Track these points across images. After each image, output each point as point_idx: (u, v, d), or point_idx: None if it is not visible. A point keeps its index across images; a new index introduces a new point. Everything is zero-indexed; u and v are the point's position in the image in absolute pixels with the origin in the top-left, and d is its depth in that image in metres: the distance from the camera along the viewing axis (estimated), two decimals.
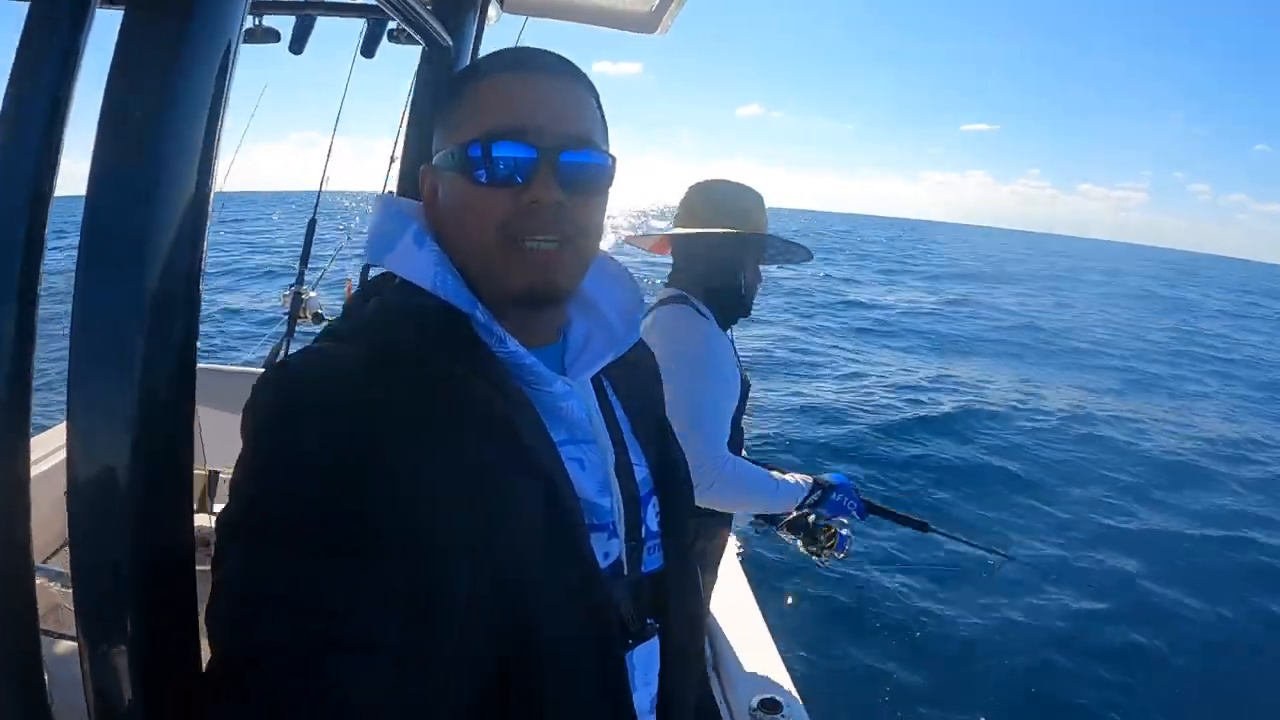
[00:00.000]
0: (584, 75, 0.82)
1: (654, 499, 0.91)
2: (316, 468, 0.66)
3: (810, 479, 2.03)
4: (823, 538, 2.02)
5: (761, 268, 2.13)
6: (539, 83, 0.79)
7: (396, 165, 3.27)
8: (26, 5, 0.74)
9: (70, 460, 0.70)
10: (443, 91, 0.85)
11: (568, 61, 0.82)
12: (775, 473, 2.01)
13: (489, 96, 0.79)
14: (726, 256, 2.05)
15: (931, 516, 2.33)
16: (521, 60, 0.81)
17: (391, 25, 2.35)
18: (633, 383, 0.96)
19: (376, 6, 2.30)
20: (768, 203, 2.09)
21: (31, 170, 0.74)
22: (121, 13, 0.70)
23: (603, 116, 0.84)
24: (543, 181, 0.76)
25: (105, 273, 0.69)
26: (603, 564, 0.81)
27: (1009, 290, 30.56)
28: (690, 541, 0.99)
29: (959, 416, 10.27)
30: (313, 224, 3.25)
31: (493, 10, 1.81)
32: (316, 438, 0.67)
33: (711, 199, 2.08)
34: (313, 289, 3.03)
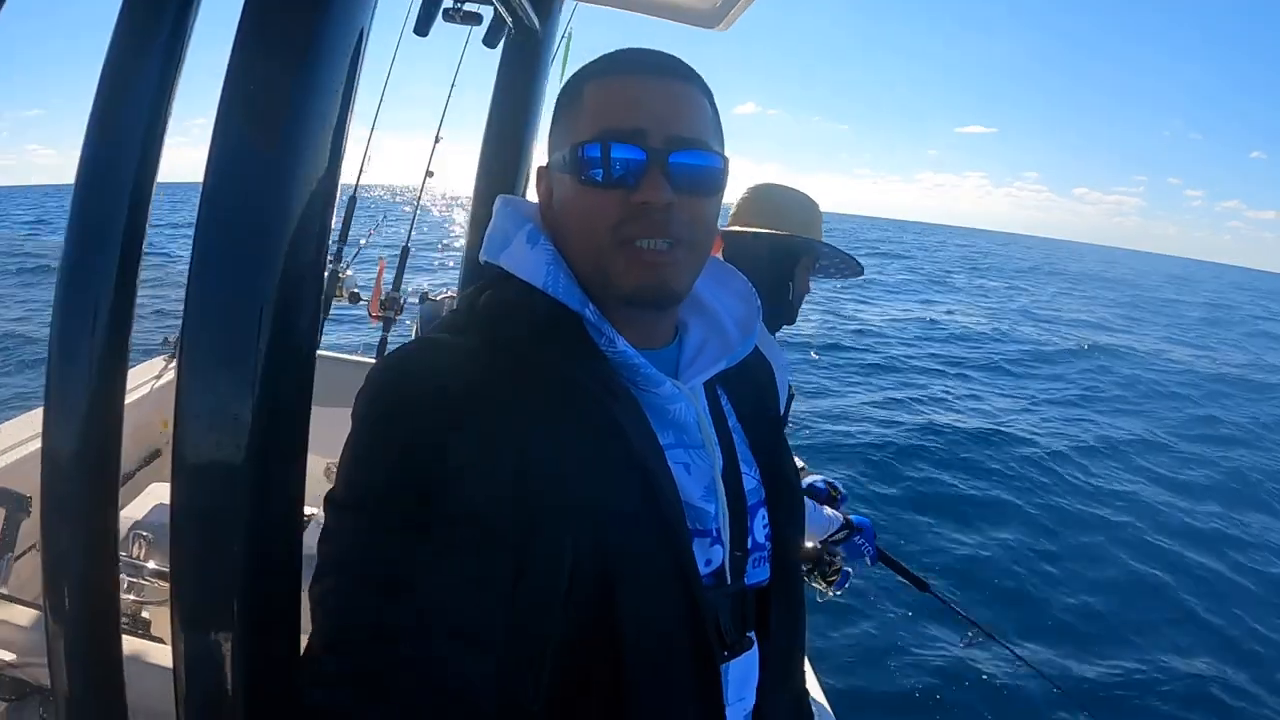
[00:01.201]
0: (697, 76, 0.82)
1: (763, 510, 0.90)
2: (417, 452, 0.67)
3: (841, 516, 2.06)
4: (829, 571, 2.07)
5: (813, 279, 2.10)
6: (650, 84, 0.79)
7: (440, 145, 3.32)
8: None
9: (177, 447, 0.68)
10: (561, 92, 0.85)
11: (680, 62, 0.82)
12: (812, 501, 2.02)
13: (600, 98, 0.79)
14: (780, 260, 2.02)
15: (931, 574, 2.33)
16: (633, 61, 0.81)
17: (447, 4, 2.31)
18: (747, 392, 0.96)
19: None
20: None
21: (137, 153, 0.72)
22: None
23: (717, 118, 0.83)
24: (652, 183, 0.76)
25: (222, 264, 0.67)
26: (704, 570, 0.80)
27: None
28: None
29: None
30: (353, 201, 3.22)
31: None
32: (419, 424, 0.68)
33: (772, 200, 2.04)
34: (348, 268, 3.00)
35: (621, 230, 0.77)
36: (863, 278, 2.07)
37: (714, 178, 0.80)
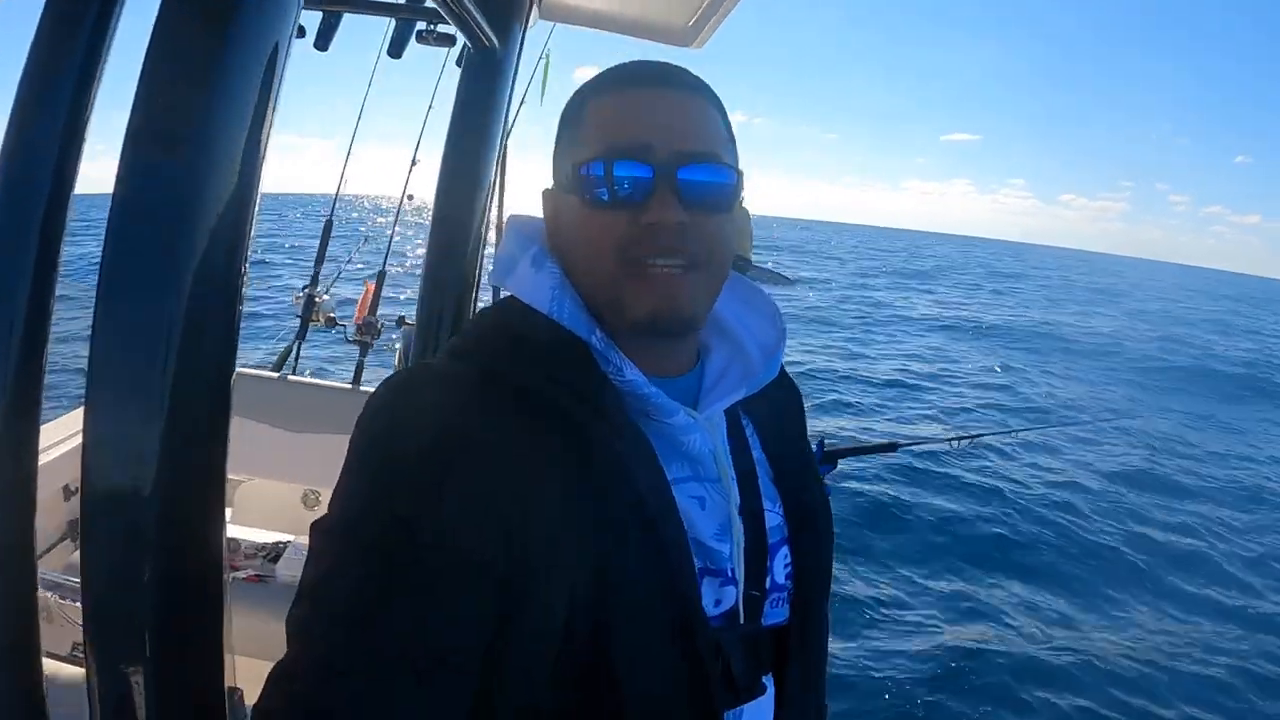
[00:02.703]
0: (705, 87, 0.78)
1: (785, 549, 0.84)
2: (399, 487, 0.65)
3: None
4: None
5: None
6: (654, 96, 0.75)
7: (417, 169, 3.32)
8: None
9: (86, 466, 0.65)
10: (563, 111, 0.82)
11: (685, 72, 0.78)
12: None
13: (602, 114, 0.76)
14: None
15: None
16: (636, 74, 0.77)
17: (420, 26, 2.32)
18: (774, 422, 0.90)
19: (408, 6, 2.28)
20: (750, 209, 2.03)
21: (53, 162, 0.70)
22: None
23: (729, 128, 0.79)
24: (661, 201, 0.71)
25: (132, 274, 0.65)
26: (712, 611, 0.75)
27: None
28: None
29: None
30: (329, 225, 3.22)
31: (531, 16, 1.78)
32: (404, 459, 0.66)
33: None
34: (326, 292, 2.99)
35: (630, 253, 0.73)
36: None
37: (727, 192, 0.76)
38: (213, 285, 0.66)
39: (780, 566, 0.83)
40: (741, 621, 0.78)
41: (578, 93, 0.81)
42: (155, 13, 0.65)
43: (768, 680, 0.80)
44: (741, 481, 0.81)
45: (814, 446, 2.20)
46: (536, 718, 0.68)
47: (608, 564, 0.67)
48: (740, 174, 0.77)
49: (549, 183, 0.83)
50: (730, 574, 0.77)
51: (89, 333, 0.64)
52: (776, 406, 0.90)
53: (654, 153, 0.72)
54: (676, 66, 0.78)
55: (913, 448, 2.63)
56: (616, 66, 0.80)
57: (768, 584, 0.81)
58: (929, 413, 11.08)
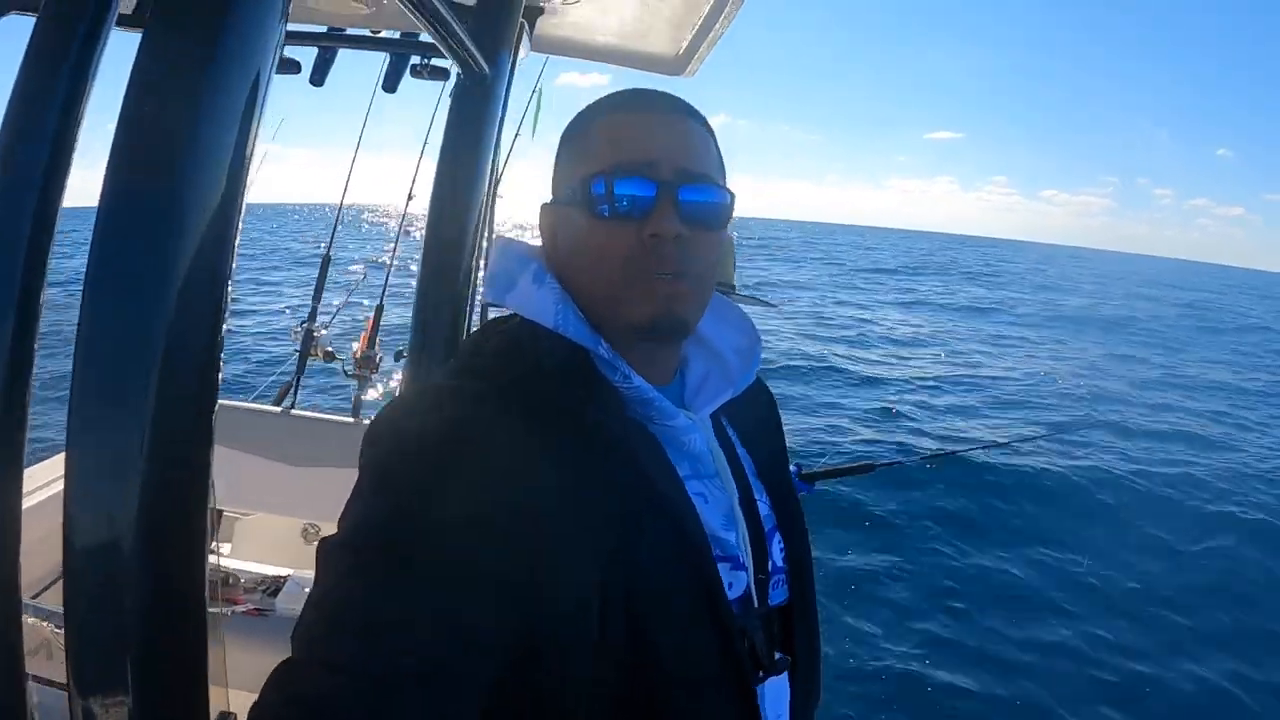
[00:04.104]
0: (700, 115, 0.85)
1: (777, 534, 0.92)
2: (410, 498, 0.66)
3: None
4: None
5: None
6: (658, 121, 0.82)
7: (415, 200, 3.34)
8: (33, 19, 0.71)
9: (68, 495, 0.65)
10: (564, 131, 0.88)
11: (684, 102, 0.85)
12: None
13: (609, 134, 0.82)
14: None
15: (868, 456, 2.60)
16: (640, 100, 0.84)
17: (415, 60, 2.36)
18: (751, 421, 0.97)
19: (402, 41, 2.31)
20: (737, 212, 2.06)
21: (36, 196, 0.71)
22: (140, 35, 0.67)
23: (720, 155, 0.86)
24: (663, 216, 0.77)
25: (114, 297, 0.65)
26: (731, 595, 0.80)
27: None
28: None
29: None
30: (327, 260, 3.24)
31: (523, 48, 1.81)
32: (415, 470, 0.68)
33: None
34: (324, 326, 3.00)
35: (632, 264, 0.78)
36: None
37: (721, 212, 0.82)
38: (194, 315, 0.66)
39: (777, 550, 0.90)
40: (756, 604, 0.84)
41: (584, 112, 0.87)
42: (138, 41, 0.66)
43: (783, 657, 0.87)
44: (734, 476, 0.88)
45: (794, 468, 2.23)
46: (576, 712, 0.70)
47: (632, 558, 0.71)
48: (733, 195, 0.84)
49: (543, 200, 0.89)
50: (738, 560, 0.83)
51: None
52: (752, 407, 0.97)
53: (658, 171, 0.78)
54: (675, 95, 0.85)
55: (890, 467, 2.61)
56: (621, 91, 0.87)
57: (769, 567, 0.88)
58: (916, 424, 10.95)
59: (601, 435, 0.75)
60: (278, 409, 2.88)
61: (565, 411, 0.74)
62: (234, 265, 0.70)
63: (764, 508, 0.91)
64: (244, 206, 0.71)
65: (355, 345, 3.07)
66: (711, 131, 0.86)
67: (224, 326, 0.70)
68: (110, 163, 0.64)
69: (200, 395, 0.69)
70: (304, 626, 0.64)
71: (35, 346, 0.71)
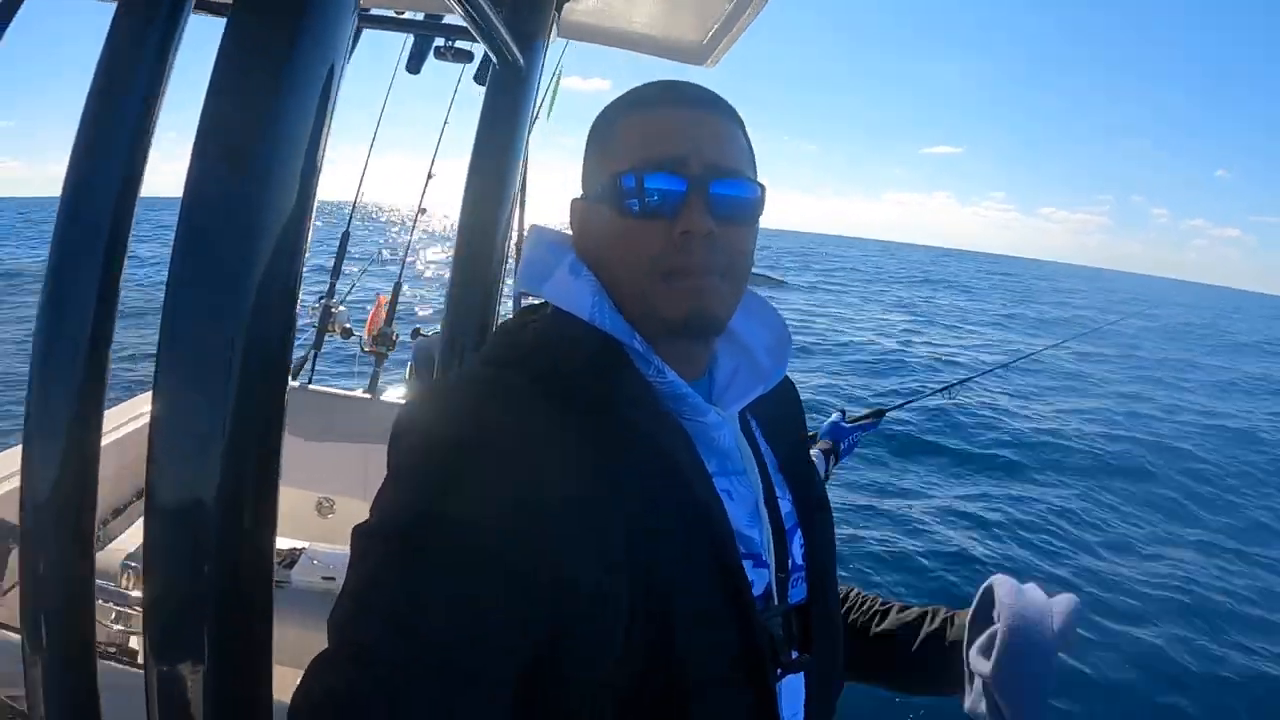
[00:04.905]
0: (730, 108, 0.84)
1: (798, 532, 0.91)
2: (446, 489, 0.66)
3: (820, 451, 2.23)
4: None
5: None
6: (688, 115, 0.80)
7: (433, 182, 3.36)
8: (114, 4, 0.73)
9: (150, 475, 0.68)
10: (593, 125, 0.87)
11: (714, 94, 0.83)
12: None
13: (639, 129, 0.81)
14: None
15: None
16: (670, 94, 0.82)
17: (439, 42, 2.36)
18: (778, 419, 0.97)
19: (425, 22, 2.31)
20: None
21: (119, 177, 0.73)
22: (224, 21, 0.69)
23: (750, 147, 0.85)
24: (694, 212, 0.77)
25: (194, 284, 0.68)
26: (752, 593, 0.80)
27: None
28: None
29: None
30: (346, 236, 3.25)
31: (551, 35, 1.81)
32: (451, 462, 0.68)
33: None
34: (342, 303, 3.02)
35: (663, 260, 0.78)
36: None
37: (753, 207, 0.82)
38: (272, 298, 0.69)
39: (797, 548, 0.90)
40: (775, 602, 0.84)
41: (611, 107, 0.86)
42: (220, 37, 0.69)
43: (802, 655, 0.86)
44: (758, 472, 0.88)
45: (838, 416, 2.38)
46: (598, 707, 0.70)
47: (656, 555, 0.71)
48: (764, 188, 0.83)
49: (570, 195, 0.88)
50: (761, 558, 0.83)
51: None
52: (776, 402, 0.96)
53: (688, 166, 0.77)
54: (704, 88, 0.83)
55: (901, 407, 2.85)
56: (647, 85, 0.85)
57: (789, 565, 0.87)
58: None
59: (633, 430, 0.74)
60: (294, 384, 2.90)
61: (598, 404, 0.74)
62: (307, 250, 0.73)
63: (785, 505, 0.90)
64: (316, 185, 0.72)
65: (364, 322, 3.09)
66: (741, 123, 0.84)
67: (296, 310, 0.73)
68: (195, 147, 0.67)
69: (274, 377, 0.71)
70: (337, 615, 0.64)
71: (114, 326, 0.74)
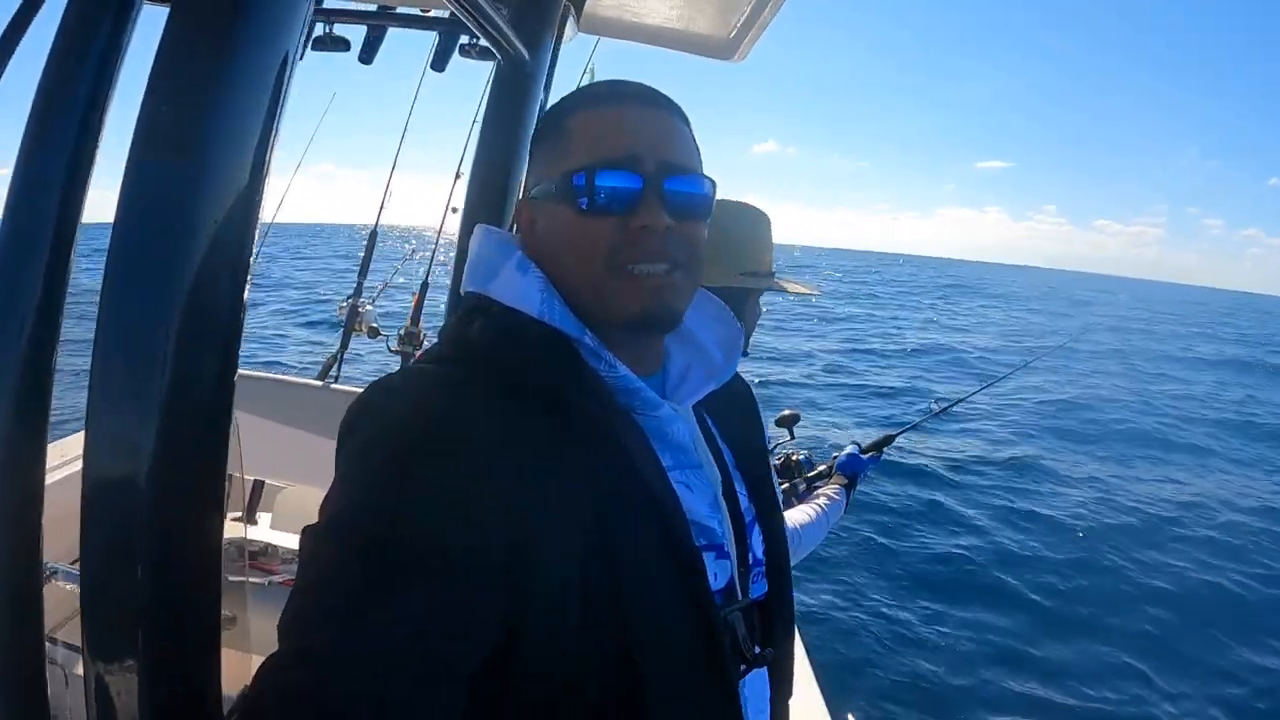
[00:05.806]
0: (677, 105, 0.85)
1: (756, 526, 0.92)
2: (394, 483, 0.66)
3: (840, 486, 2.08)
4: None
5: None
6: (639, 112, 0.81)
7: (462, 181, 3.36)
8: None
9: (86, 462, 0.67)
10: (540, 125, 0.88)
11: (660, 92, 0.84)
12: (807, 507, 1.99)
13: (590, 127, 0.81)
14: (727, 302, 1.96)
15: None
16: (619, 92, 0.83)
17: (464, 40, 2.35)
18: (732, 414, 0.98)
19: (451, 19, 2.31)
20: (781, 239, 1.98)
21: (63, 176, 0.72)
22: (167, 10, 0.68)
23: (696, 144, 0.86)
24: (650, 208, 0.77)
25: (134, 269, 0.67)
26: (714, 585, 0.80)
27: None
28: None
29: None
30: (374, 236, 3.28)
31: (569, 29, 1.79)
32: (397, 456, 0.67)
33: (710, 232, 1.97)
34: (370, 302, 3.04)
35: (618, 256, 0.78)
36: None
37: (705, 203, 0.83)
38: (215, 286, 0.67)
39: (757, 542, 0.91)
40: (739, 596, 0.84)
41: (556, 108, 0.87)
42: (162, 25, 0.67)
43: (764, 651, 0.86)
44: (717, 469, 0.88)
45: (854, 449, 2.28)
46: (557, 702, 0.70)
47: (615, 544, 0.71)
48: (714, 183, 0.84)
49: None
50: (722, 549, 0.83)
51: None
52: (731, 401, 0.98)
53: (642, 164, 0.78)
54: (650, 86, 0.85)
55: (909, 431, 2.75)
56: (596, 84, 0.88)
57: (749, 560, 0.88)
58: None
59: (584, 422, 0.74)
60: (320, 383, 2.94)
61: (548, 398, 0.74)
62: (257, 238, 0.71)
63: (744, 500, 0.91)
64: (268, 182, 0.71)
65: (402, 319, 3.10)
66: (686, 120, 0.85)
67: (245, 300, 0.71)
68: (136, 134, 0.65)
69: (218, 368, 0.70)
70: (287, 616, 0.63)
71: (60, 321, 0.73)
